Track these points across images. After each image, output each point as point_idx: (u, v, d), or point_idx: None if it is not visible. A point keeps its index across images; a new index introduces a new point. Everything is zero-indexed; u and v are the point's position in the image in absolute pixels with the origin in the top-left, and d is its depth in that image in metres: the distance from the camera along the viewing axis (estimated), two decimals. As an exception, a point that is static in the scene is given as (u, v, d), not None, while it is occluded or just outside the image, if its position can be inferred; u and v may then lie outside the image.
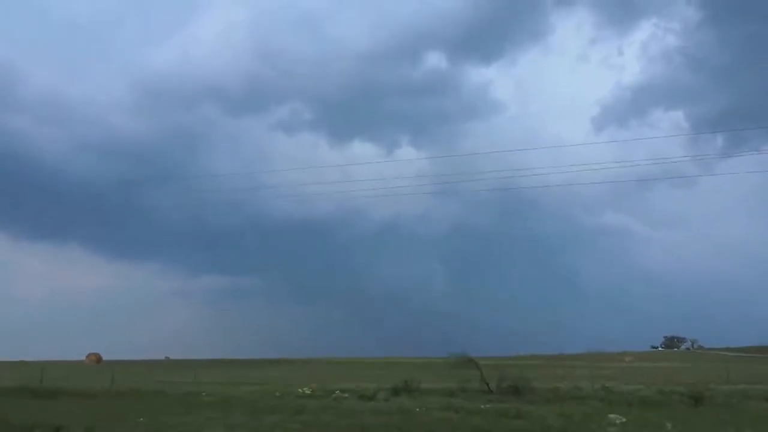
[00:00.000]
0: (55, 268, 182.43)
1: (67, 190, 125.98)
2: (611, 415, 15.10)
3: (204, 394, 23.46)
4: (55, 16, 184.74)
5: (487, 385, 22.53)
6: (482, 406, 17.67)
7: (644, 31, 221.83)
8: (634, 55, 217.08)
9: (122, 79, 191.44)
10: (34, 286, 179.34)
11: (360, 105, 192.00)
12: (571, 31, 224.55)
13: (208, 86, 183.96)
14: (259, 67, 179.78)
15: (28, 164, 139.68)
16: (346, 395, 22.04)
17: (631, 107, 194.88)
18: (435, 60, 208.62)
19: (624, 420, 14.51)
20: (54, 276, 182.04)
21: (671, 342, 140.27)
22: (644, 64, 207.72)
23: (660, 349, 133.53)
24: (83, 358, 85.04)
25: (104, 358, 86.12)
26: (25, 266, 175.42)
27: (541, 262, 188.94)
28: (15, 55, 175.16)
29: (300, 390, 23.84)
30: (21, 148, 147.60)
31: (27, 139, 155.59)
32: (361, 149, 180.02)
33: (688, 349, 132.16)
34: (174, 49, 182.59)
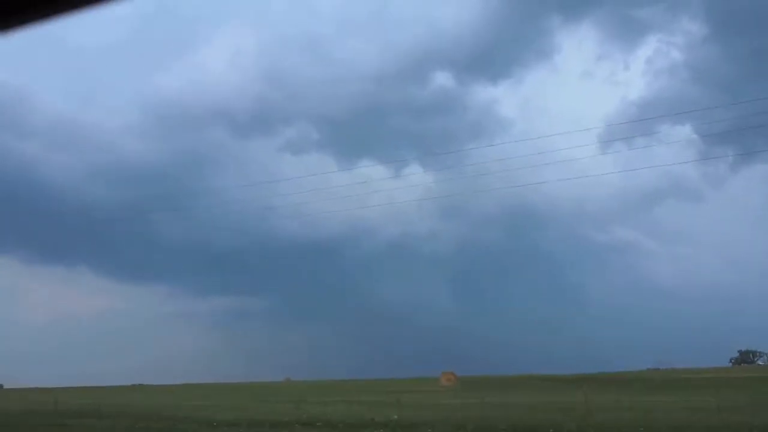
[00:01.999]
0: (65, 291, 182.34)
1: (77, 213, 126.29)
2: None
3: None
4: (65, 42, 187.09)
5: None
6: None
7: (649, 46, 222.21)
8: (640, 70, 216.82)
9: (132, 104, 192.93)
10: (43, 310, 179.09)
11: (368, 125, 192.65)
12: (576, 49, 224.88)
13: (217, 109, 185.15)
14: (267, 90, 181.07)
15: (39, 189, 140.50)
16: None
17: (637, 122, 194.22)
18: (442, 80, 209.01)
19: None
20: (63, 299, 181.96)
21: (746, 356, 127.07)
22: (650, 79, 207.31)
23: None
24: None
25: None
26: (35, 290, 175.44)
27: (552, 279, 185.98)
28: (26, 80, 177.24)
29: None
30: (32, 173, 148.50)
31: (38, 164, 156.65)
32: (369, 169, 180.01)
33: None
34: (183, 74, 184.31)
